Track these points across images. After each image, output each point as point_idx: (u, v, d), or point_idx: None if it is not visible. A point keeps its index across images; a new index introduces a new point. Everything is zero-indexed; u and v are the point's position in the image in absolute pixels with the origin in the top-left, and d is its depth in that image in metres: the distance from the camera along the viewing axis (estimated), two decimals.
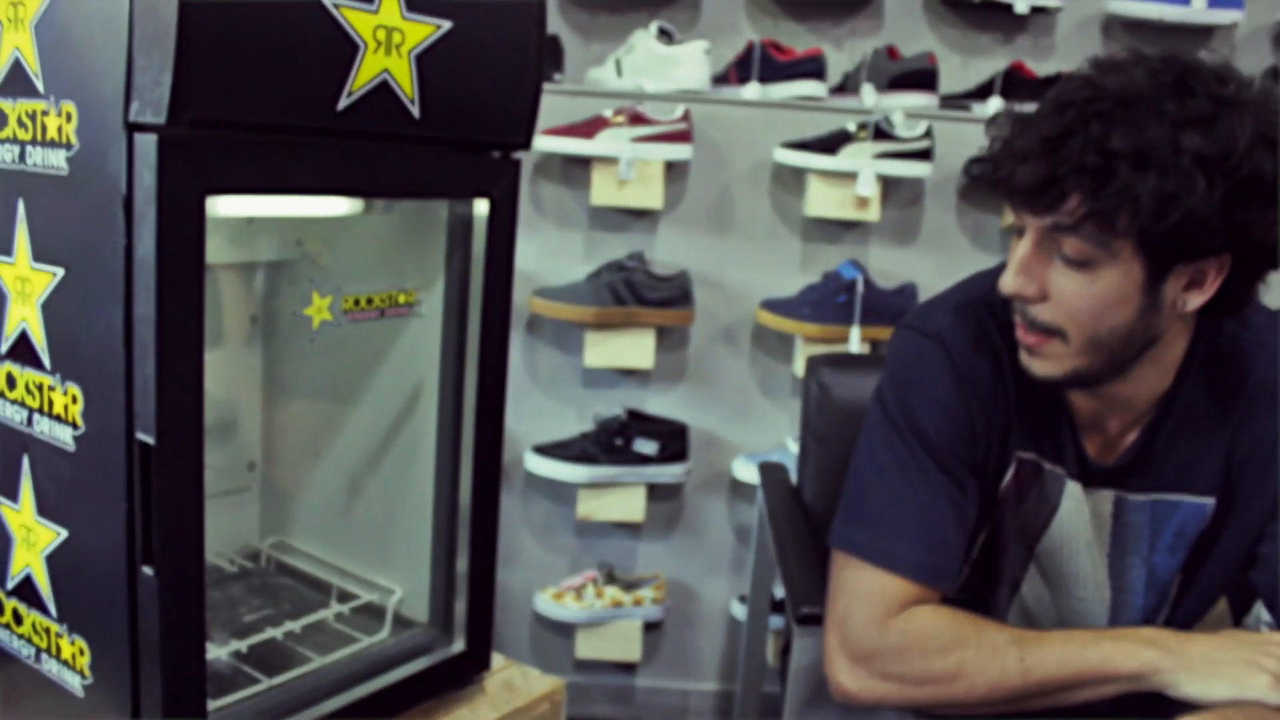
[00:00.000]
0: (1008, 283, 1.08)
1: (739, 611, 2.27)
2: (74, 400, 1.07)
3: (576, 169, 2.18)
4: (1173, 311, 1.08)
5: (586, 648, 2.29)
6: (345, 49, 1.05)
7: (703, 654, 2.39)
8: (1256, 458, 1.18)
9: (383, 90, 1.09)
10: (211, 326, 1.45)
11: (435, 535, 1.38)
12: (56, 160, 1.04)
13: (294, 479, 1.56)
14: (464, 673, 1.40)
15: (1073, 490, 1.22)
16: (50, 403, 1.10)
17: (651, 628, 2.36)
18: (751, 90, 2.19)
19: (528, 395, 2.30)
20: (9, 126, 1.09)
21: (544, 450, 2.21)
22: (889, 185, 2.19)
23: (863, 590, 1.16)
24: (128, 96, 0.95)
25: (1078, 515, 1.23)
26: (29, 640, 1.19)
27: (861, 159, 2.10)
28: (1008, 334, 1.17)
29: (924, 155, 2.12)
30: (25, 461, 1.15)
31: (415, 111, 1.13)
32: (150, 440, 0.99)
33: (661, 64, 2.19)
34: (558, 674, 2.36)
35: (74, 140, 1.02)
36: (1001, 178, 1.06)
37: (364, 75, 1.07)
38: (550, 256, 2.24)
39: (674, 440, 2.22)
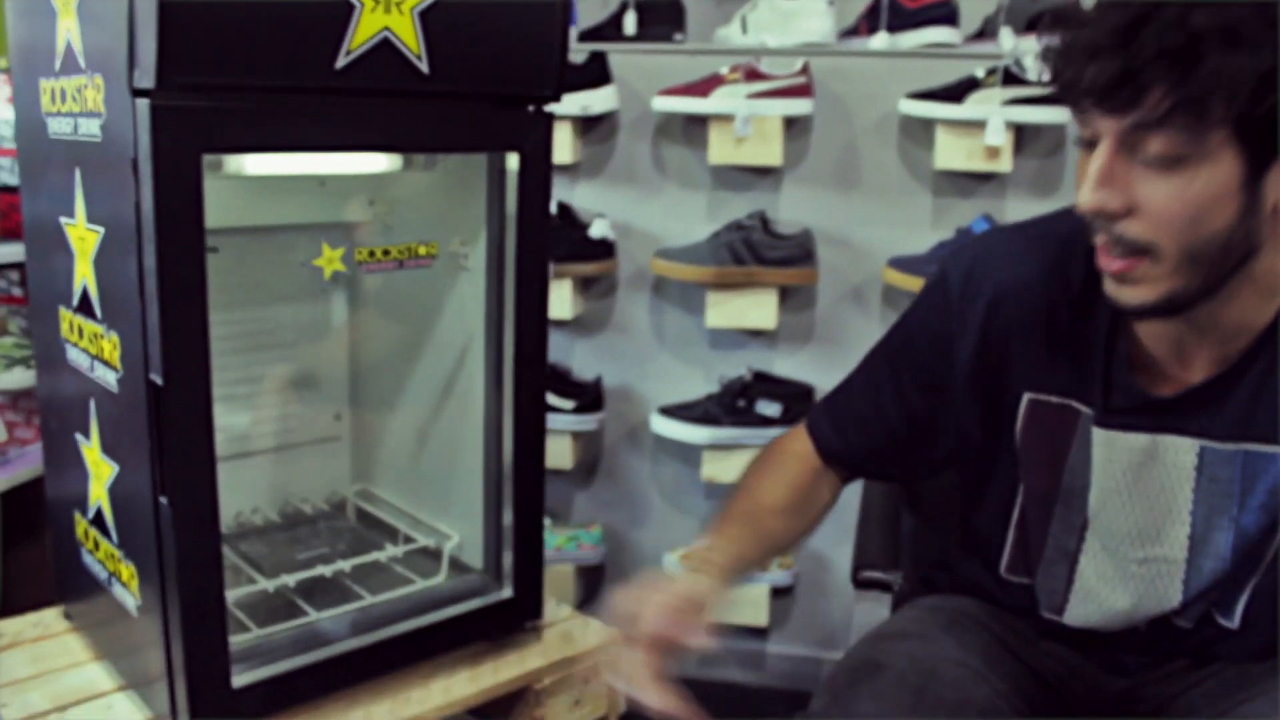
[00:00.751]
0: (1086, 198, 0.98)
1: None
2: (115, 346, 1.19)
3: (696, 129, 2.20)
4: (1275, 218, 0.99)
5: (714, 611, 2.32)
6: (340, 8, 1.12)
7: (834, 622, 2.37)
8: None
9: (385, 48, 1.16)
10: (294, 284, 1.57)
11: (485, 486, 1.46)
12: (94, 129, 1.16)
13: (376, 429, 1.66)
14: (512, 619, 1.47)
15: (1117, 436, 1.13)
16: (101, 349, 1.23)
17: (781, 593, 2.37)
18: (879, 40, 2.14)
19: (655, 356, 2.35)
20: (67, 102, 1.22)
21: (669, 411, 2.25)
22: (1025, 134, 2.09)
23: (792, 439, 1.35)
24: (131, 65, 1.06)
25: (1136, 459, 1.14)
26: (104, 565, 1.33)
27: (990, 106, 2.02)
28: (1067, 269, 1.13)
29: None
30: (92, 403, 1.29)
31: (424, 67, 1.19)
32: (159, 380, 1.10)
33: (784, 18, 2.17)
34: None
35: (103, 109, 1.13)
36: (1068, 80, 0.96)
37: (362, 33, 1.14)
38: (674, 217, 2.27)
39: (798, 402, 2.21)
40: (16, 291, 2.07)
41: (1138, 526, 1.16)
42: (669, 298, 2.32)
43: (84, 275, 1.25)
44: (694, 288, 2.24)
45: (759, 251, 2.15)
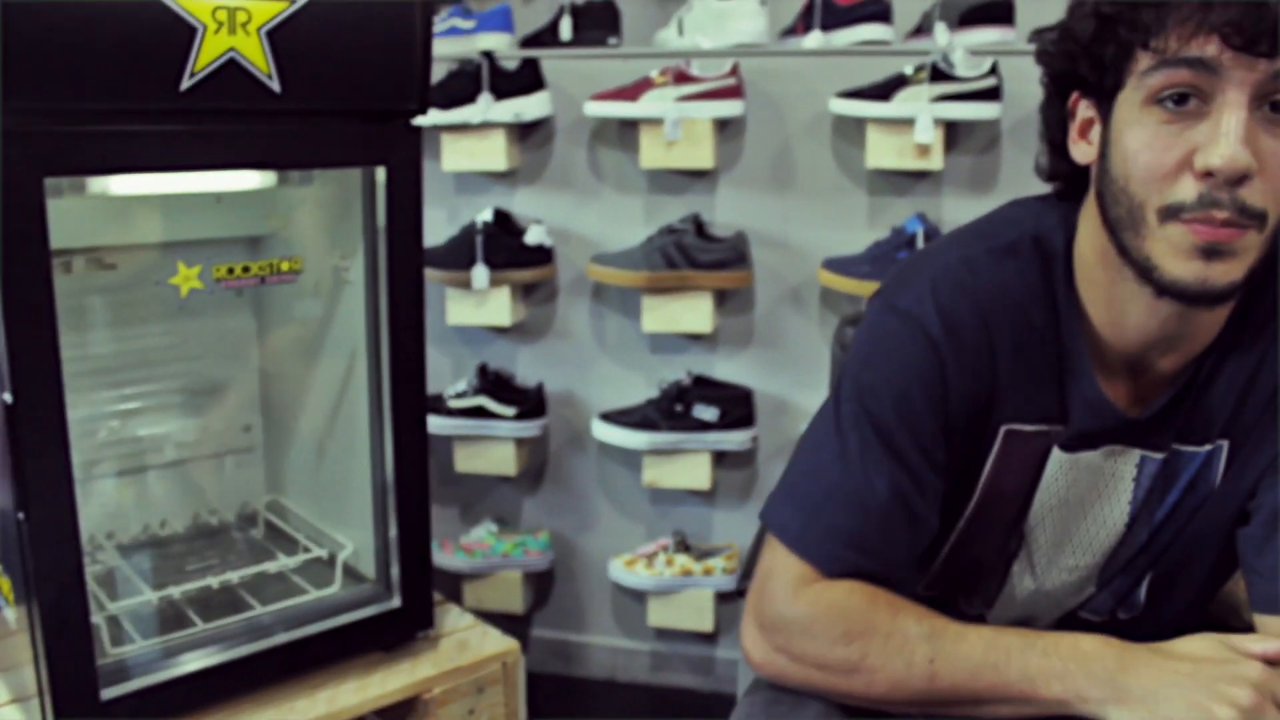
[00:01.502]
0: (1235, 158, 0.87)
1: None
2: None
3: (630, 133, 2.22)
4: None
5: (659, 616, 2.35)
6: (182, 32, 1.15)
7: None
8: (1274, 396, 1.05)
9: (231, 68, 1.19)
10: (205, 299, 1.61)
11: (372, 497, 1.49)
12: None
13: (285, 441, 1.70)
14: (403, 628, 1.50)
15: (1075, 457, 1.10)
16: None
17: (728, 597, 2.39)
18: (813, 39, 2.16)
19: (596, 362, 2.37)
20: None
21: (609, 417, 2.27)
22: (957, 130, 2.10)
23: (781, 566, 1.06)
24: None
25: (1082, 475, 1.11)
26: None
27: (918, 103, 2.03)
28: (1038, 279, 1.05)
29: (990, 95, 2.02)
30: None
31: (275, 86, 1.22)
32: (8, 399, 1.14)
33: (717, 19, 2.19)
34: (638, 641, 2.44)
35: None
36: (1193, 13, 0.87)
37: (206, 55, 1.17)
38: (611, 222, 2.29)
39: (736, 406, 2.23)
40: None
41: (1070, 537, 1.14)
42: (609, 303, 2.34)
43: None
44: (632, 292, 2.27)
45: (691, 255, 2.17)
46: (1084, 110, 1.01)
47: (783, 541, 1.06)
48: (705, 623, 2.34)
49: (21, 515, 1.17)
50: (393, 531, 1.46)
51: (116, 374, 1.56)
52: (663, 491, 2.37)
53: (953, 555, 1.16)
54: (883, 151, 2.10)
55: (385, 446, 1.44)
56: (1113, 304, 1.03)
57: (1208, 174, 0.88)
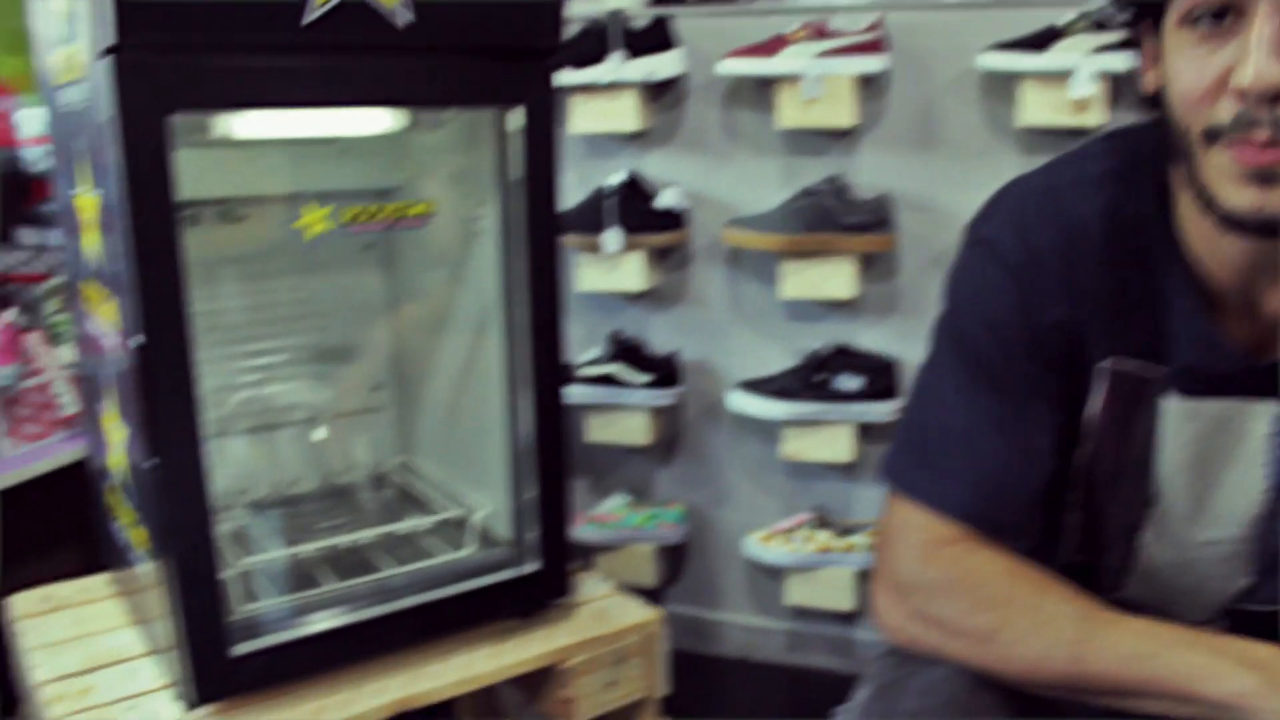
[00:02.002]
0: (1264, 73, 0.81)
1: None
2: (115, 310, 1.19)
3: (766, 92, 2.11)
4: None
5: (797, 594, 2.24)
6: None
7: None
8: None
9: (354, 4, 1.12)
10: (331, 253, 1.56)
11: (508, 457, 1.41)
12: (84, 94, 1.16)
13: (416, 400, 1.64)
14: (538, 595, 1.43)
15: (1190, 404, 1.00)
16: (108, 315, 1.23)
17: (868, 577, 2.27)
18: None
19: (732, 331, 2.27)
20: (71, 71, 1.22)
21: (746, 386, 2.17)
22: (1121, 84, 1.94)
23: (910, 523, 1.02)
24: (99, 25, 1.05)
25: (1207, 428, 1.00)
26: (127, 532, 1.34)
27: (1077, 54, 1.88)
28: (1121, 207, 0.98)
29: None
30: (107, 370, 1.30)
31: (401, 20, 1.15)
32: (139, 342, 1.09)
33: None
34: (773, 619, 2.34)
35: (84, 74, 1.13)
36: None
37: None
38: (746, 185, 2.19)
39: (881, 376, 2.10)
40: None
41: (1204, 504, 1.03)
42: (745, 269, 2.24)
43: (91, 243, 1.26)
44: (770, 258, 2.16)
45: (834, 217, 2.06)
46: (1148, 40, 0.93)
47: (905, 494, 1.02)
48: (845, 602, 2.23)
49: (152, 462, 1.12)
50: (530, 494, 1.38)
51: (246, 331, 1.52)
52: (801, 465, 2.26)
53: (1077, 518, 1.08)
54: (1037, 107, 1.96)
55: (522, 406, 1.36)
56: (1203, 236, 0.94)
57: (1243, 93, 0.82)
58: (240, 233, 1.45)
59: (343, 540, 1.39)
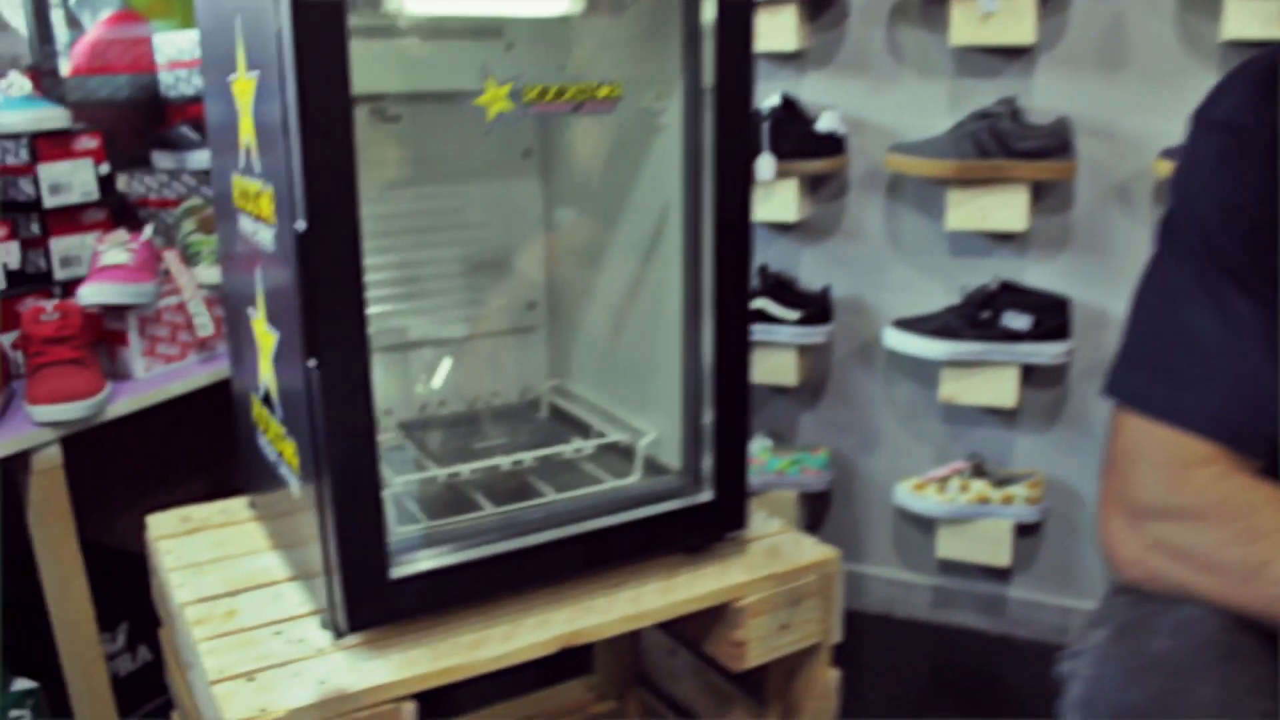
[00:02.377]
0: None
1: None
2: (270, 199, 1.07)
3: (936, 8, 1.93)
4: None
5: (949, 546, 2.07)
6: None
7: (1087, 567, 2.07)
8: None
9: None
10: (483, 159, 1.43)
11: (684, 379, 1.27)
12: None
13: (574, 319, 1.51)
14: (712, 526, 1.28)
15: None
16: (260, 208, 1.11)
17: (1026, 531, 2.09)
18: None
19: (890, 265, 2.10)
20: None
21: (904, 325, 2.00)
22: None
23: (1150, 443, 0.89)
24: None
25: None
26: (273, 446, 1.23)
27: None
28: None
29: None
30: (257, 271, 1.18)
31: None
32: (302, 226, 0.96)
33: None
34: (920, 574, 2.17)
35: None
36: None
37: None
38: (910, 110, 2.01)
39: (1051, 315, 1.92)
40: None
41: None
42: (905, 199, 2.07)
43: (245, 132, 1.13)
44: (933, 187, 1.99)
45: (1007, 142, 1.87)
46: None
47: (1141, 412, 0.90)
48: (1001, 556, 2.06)
49: (313, 362, 1.00)
50: (705, 420, 1.24)
51: (393, 240, 1.39)
52: (958, 410, 2.09)
53: None
54: (1244, 18, 1.74)
55: (702, 327, 1.21)
56: None
57: None
58: (394, 134, 1.32)
59: (501, 462, 1.26)
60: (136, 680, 1.85)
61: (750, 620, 1.26)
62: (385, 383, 1.45)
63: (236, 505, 1.45)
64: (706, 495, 1.26)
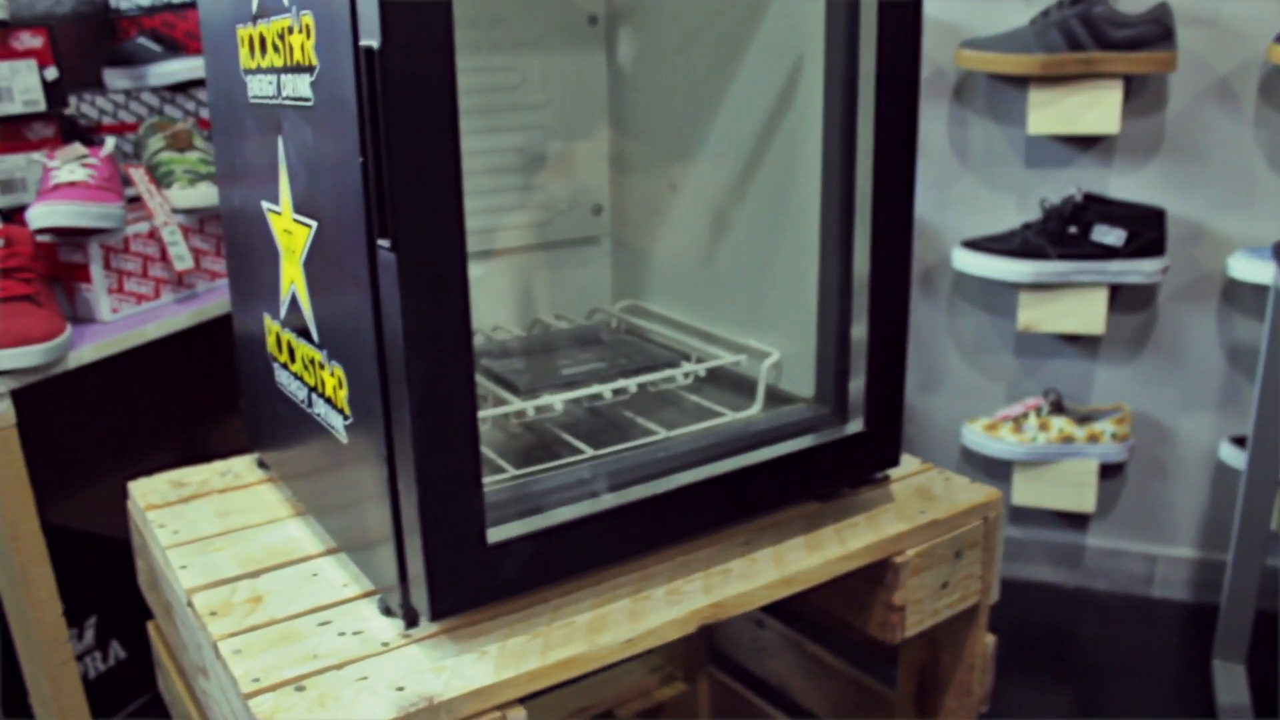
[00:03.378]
0: None
1: (1231, 458, 1.70)
2: (309, 32, 0.75)
3: None
4: None
5: (1026, 492, 1.81)
6: None
7: (1176, 510, 1.82)
8: None
9: None
10: (538, 26, 1.12)
11: (824, 286, 0.97)
12: None
13: (649, 226, 1.20)
14: (861, 464, 0.99)
15: None
16: (291, 50, 0.79)
17: (1110, 472, 1.83)
18: None
19: (956, 179, 1.82)
20: None
21: (976, 245, 1.73)
22: None
23: None
24: None
25: None
26: (302, 380, 0.91)
27: None
28: None
29: None
30: (279, 145, 0.86)
31: None
32: (375, 44, 0.65)
33: None
34: None
35: None
36: None
37: None
38: (982, 3, 1.73)
39: (1146, 227, 1.66)
40: (205, 114, 1.70)
41: None
42: (974, 103, 1.78)
43: None
44: (1006, 89, 1.71)
45: (1101, 31, 1.59)
46: None
47: None
48: (1086, 501, 1.79)
49: (386, 243, 0.68)
50: (858, 336, 0.95)
51: None
52: (1031, 340, 1.82)
53: None
54: None
55: (857, 211, 0.92)
56: None
57: None
58: None
59: (602, 391, 0.95)
60: (109, 683, 1.52)
61: (910, 579, 0.97)
62: None
63: (241, 465, 1.13)
64: (855, 426, 0.97)
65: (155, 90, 1.73)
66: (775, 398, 1.03)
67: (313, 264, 0.83)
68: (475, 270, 1.10)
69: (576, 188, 1.18)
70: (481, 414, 0.90)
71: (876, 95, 0.88)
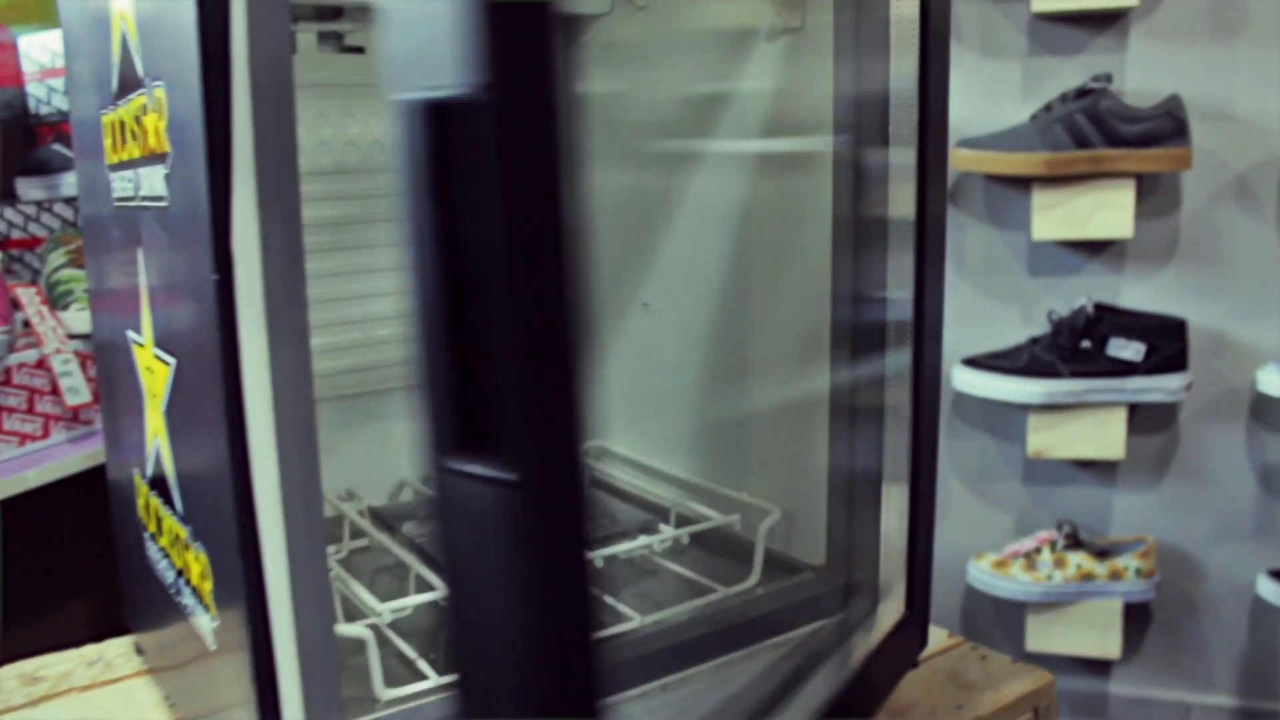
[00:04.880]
0: None
1: (1270, 593, 1.49)
2: (161, 113, 0.55)
3: None
4: None
5: (1041, 637, 1.59)
6: None
7: (1211, 652, 1.61)
8: None
9: None
10: None
11: (834, 428, 0.77)
12: None
13: (615, 351, 1.00)
14: (897, 657, 0.78)
15: None
16: (146, 135, 0.59)
17: (1135, 611, 1.62)
18: None
19: (952, 290, 1.61)
20: None
21: (979, 363, 1.54)
22: None
23: None
24: None
25: None
26: (169, 558, 0.69)
27: None
28: None
29: None
30: (139, 260, 0.65)
31: None
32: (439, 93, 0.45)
33: None
34: None
35: None
36: None
37: None
38: (978, 97, 1.57)
39: (1167, 340, 1.48)
40: None
41: None
42: (971, 207, 1.61)
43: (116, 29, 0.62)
44: (1004, 193, 1.54)
45: (1109, 127, 1.44)
46: None
47: None
48: (1110, 645, 1.58)
49: (482, 468, 0.48)
50: (861, 501, 0.74)
51: (331, 205, 0.88)
52: (1041, 467, 1.62)
53: None
54: None
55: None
56: None
57: None
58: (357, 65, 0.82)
59: None
60: None
61: None
62: (331, 453, 0.92)
63: (115, 649, 0.90)
64: (892, 609, 0.75)
65: (69, 201, 1.54)
66: (776, 564, 0.81)
67: (173, 412, 0.62)
68: (401, 406, 0.90)
69: None
70: (390, 605, 0.68)
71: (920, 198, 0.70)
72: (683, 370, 0.91)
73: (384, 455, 0.94)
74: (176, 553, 0.67)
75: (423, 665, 0.67)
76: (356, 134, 0.91)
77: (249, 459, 0.52)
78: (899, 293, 0.75)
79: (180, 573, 0.67)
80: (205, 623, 0.62)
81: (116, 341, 0.76)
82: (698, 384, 0.90)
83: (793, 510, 0.81)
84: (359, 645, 0.64)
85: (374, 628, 0.66)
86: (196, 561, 0.62)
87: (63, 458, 1.18)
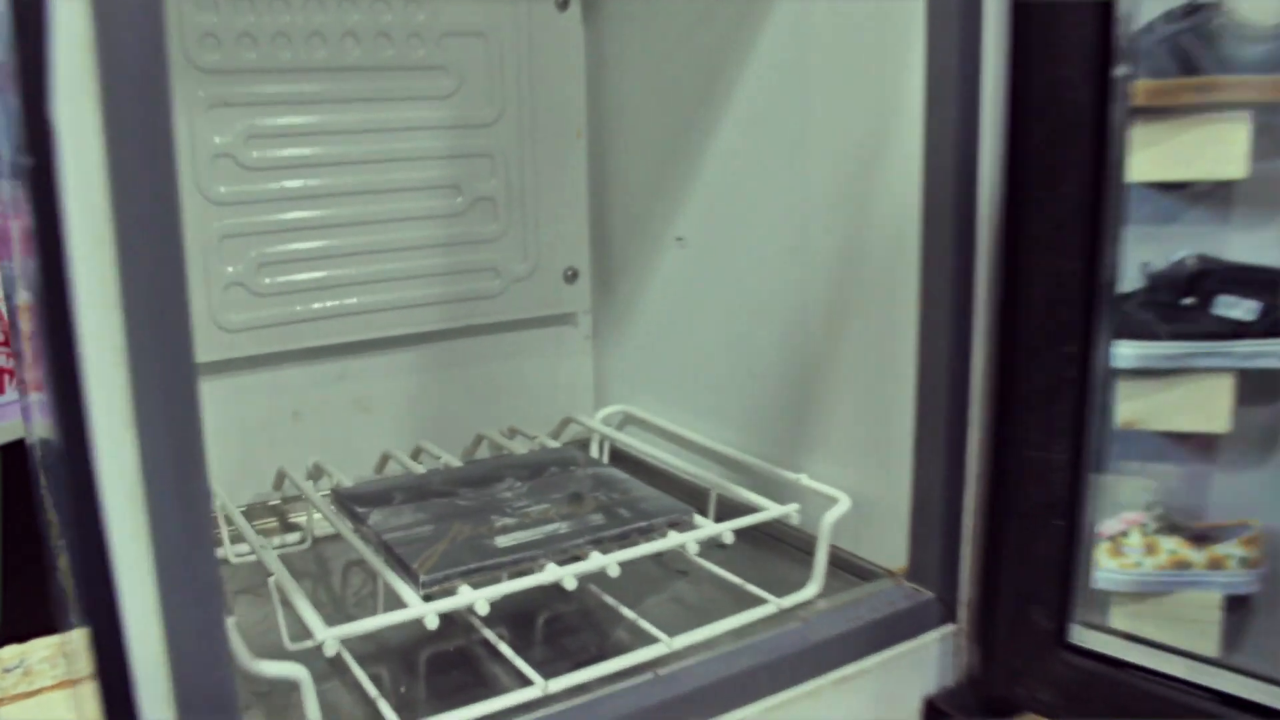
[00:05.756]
0: None
1: None
2: None
3: None
4: None
5: (1130, 630, 1.42)
6: None
7: None
8: None
9: None
10: (480, 8, 0.76)
11: (922, 395, 0.60)
12: None
13: (647, 302, 0.82)
14: (990, 681, 0.61)
15: None
16: None
17: (1236, 605, 1.45)
18: None
19: None
20: None
21: None
22: None
23: None
24: None
25: None
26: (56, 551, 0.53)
27: None
28: None
29: None
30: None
31: None
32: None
33: None
34: None
35: None
36: None
37: None
38: None
39: None
40: None
41: None
42: None
43: None
44: None
45: (1224, 49, 1.24)
46: None
47: None
48: (1207, 642, 1.40)
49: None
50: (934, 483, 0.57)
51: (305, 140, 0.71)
52: (1131, 439, 1.44)
53: None
54: None
55: (973, 300, 0.55)
56: None
57: None
58: None
59: (535, 583, 0.56)
60: None
61: None
62: (298, 419, 0.76)
63: (40, 654, 0.75)
64: (956, 621, 0.58)
65: None
66: (843, 566, 0.64)
67: (34, 367, 0.46)
68: (374, 366, 0.74)
69: (541, 243, 0.81)
70: (337, 632, 0.52)
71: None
72: (728, 320, 0.74)
73: (365, 423, 0.78)
74: (57, 544, 0.51)
75: (384, 709, 0.50)
76: (357, 22, 0.74)
77: (87, 428, 0.36)
78: None
79: (59, 570, 0.51)
80: (79, 636, 0.46)
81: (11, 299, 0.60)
82: (746, 336, 0.72)
83: (865, 499, 0.64)
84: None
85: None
86: (64, 558, 0.46)
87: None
